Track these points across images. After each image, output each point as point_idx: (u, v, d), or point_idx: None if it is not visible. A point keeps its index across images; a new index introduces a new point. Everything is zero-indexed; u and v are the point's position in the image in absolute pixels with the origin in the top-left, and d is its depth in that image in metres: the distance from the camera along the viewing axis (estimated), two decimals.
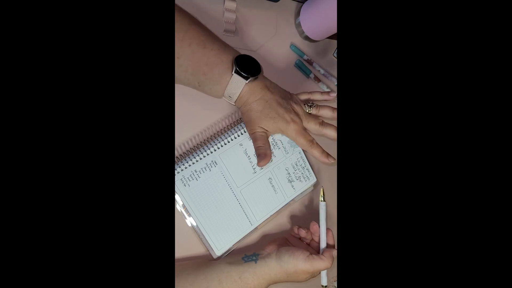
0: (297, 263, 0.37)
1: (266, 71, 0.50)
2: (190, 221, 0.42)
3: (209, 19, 0.47)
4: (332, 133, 0.42)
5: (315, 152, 0.42)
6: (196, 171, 0.42)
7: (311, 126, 0.42)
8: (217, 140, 0.44)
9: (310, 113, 0.44)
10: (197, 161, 0.42)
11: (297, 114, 0.41)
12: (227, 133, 0.44)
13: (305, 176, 0.49)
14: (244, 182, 0.45)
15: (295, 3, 0.53)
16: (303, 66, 0.52)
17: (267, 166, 0.46)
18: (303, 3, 0.51)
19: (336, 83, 0.55)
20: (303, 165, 0.49)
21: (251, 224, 0.45)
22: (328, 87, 0.54)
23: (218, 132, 0.46)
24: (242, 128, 0.45)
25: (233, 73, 0.37)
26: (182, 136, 0.44)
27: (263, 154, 0.42)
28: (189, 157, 0.42)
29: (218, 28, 0.47)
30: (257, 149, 0.42)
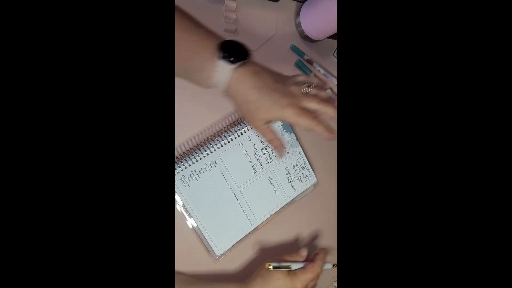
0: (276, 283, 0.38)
1: None
2: (190, 221, 0.42)
3: (209, 19, 0.46)
4: (333, 111, 0.40)
5: (320, 128, 0.39)
6: (196, 171, 0.42)
7: (312, 105, 0.39)
8: (217, 140, 0.44)
9: (308, 93, 0.41)
10: (197, 161, 0.42)
11: (294, 96, 0.39)
12: (227, 133, 0.44)
13: (305, 176, 0.49)
14: (244, 182, 0.45)
15: (295, 3, 0.53)
16: (303, 66, 0.52)
17: (267, 166, 0.46)
18: (303, 3, 0.51)
19: (336, 83, 0.55)
20: (303, 165, 0.49)
21: (251, 224, 0.45)
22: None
23: (218, 132, 0.46)
24: (242, 128, 0.45)
25: (218, 58, 0.35)
26: (182, 136, 0.44)
27: (279, 146, 0.41)
28: (189, 157, 0.42)
29: (218, 28, 0.47)
30: (270, 142, 0.41)
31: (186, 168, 0.41)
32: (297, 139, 0.49)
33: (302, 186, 0.49)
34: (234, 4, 0.47)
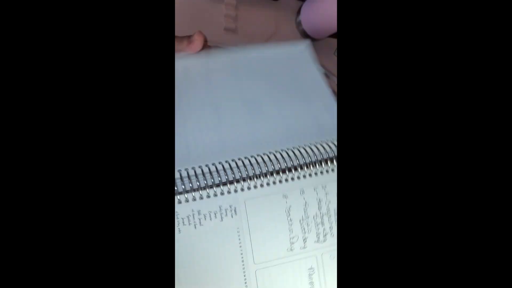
0: None
1: None
2: None
3: (209, 18, 0.46)
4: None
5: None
6: (199, 212, 0.24)
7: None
8: (247, 172, 0.24)
9: None
10: (208, 196, 0.24)
11: None
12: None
13: None
14: (267, 260, 0.25)
15: (295, 1, 0.53)
16: None
17: (314, 247, 0.26)
18: (304, 1, 0.51)
19: (336, 83, 0.55)
20: None
21: None
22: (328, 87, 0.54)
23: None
24: (297, 171, 0.25)
25: None
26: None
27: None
28: (197, 185, 0.24)
29: (218, 27, 0.47)
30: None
31: (187, 202, 0.24)
32: None
33: None
34: (234, 3, 0.47)
